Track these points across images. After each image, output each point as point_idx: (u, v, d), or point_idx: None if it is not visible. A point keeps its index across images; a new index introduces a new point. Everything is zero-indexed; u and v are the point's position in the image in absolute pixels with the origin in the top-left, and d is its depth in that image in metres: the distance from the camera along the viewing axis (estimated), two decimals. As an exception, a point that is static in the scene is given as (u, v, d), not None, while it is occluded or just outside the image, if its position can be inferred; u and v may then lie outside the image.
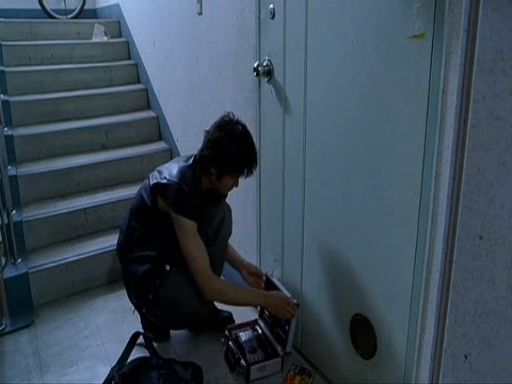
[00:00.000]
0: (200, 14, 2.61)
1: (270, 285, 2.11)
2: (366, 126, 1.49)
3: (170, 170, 1.92)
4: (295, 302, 1.92)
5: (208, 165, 1.91)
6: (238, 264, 2.23)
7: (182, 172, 1.90)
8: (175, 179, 1.87)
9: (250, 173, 1.92)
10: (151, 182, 1.93)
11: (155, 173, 1.97)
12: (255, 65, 2.00)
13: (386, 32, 1.36)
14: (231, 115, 1.92)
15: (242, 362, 1.92)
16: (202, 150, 1.93)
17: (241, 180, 1.98)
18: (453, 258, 1.21)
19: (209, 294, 1.92)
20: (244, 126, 1.91)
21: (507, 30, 1.00)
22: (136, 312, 2.11)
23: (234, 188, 2.02)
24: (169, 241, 1.92)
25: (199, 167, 1.94)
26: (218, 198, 2.09)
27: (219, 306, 2.23)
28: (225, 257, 2.20)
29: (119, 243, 2.08)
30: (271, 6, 1.90)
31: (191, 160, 1.96)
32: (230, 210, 2.15)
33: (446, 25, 1.16)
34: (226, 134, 1.87)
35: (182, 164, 1.95)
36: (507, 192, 1.05)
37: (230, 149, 1.87)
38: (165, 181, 1.87)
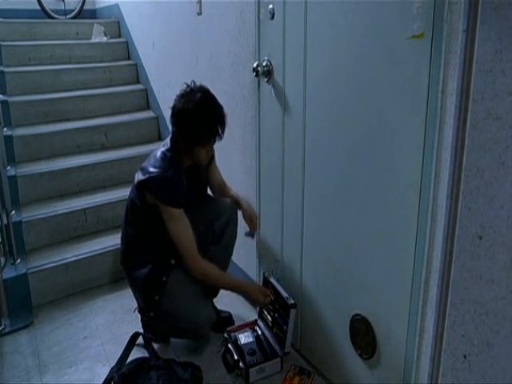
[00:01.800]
0: (199, 14, 2.61)
1: (267, 285, 2.11)
2: (366, 126, 1.49)
3: (150, 163, 1.88)
4: (292, 302, 1.92)
5: (177, 140, 1.90)
6: (237, 203, 2.22)
7: (162, 159, 1.88)
8: (156, 170, 1.84)
9: (217, 138, 1.88)
10: (135, 182, 1.90)
11: (138, 172, 1.92)
12: (254, 65, 2.00)
13: (385, 32, 1.36)
14: (192, 84, 1.87)
15: (241, 364, 1.92)
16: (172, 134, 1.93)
17: (240, 177, 1.98)
18: (452, 257, 1.21)
19: (195, 274, 1.92)
20: (204, 93, 1.86)
21: (506, 30, 1.00)
22: (136, 312, 2.11)
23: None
24: (168, 236, 1.91)
25: (173, 146, 1.92)
26: (204, 168, 2.11)
27: (219, 306, 2.24)
28: (229, 259, 2.22)
29: (121, 254, 2.07)
30: (270, 6, 1.90)
31: (169, 142, 1.95)
32: (236, 212, 2.17)
33: (445, 25, 1.16)
34: (183, 106, 1.83)
35: (161, 150, 1.92)
36: (506, 192, 1.05)
37: (188, 119, 1.83)
38: (147, 175, 1.84)
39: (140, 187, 1.88)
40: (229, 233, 2.15)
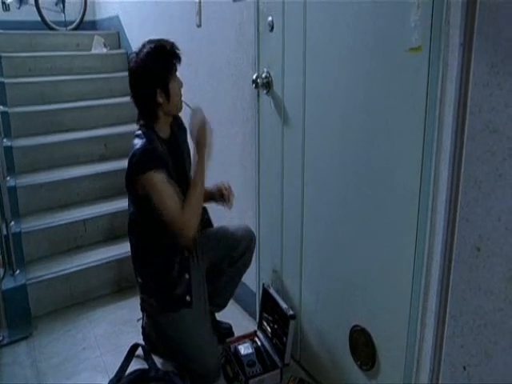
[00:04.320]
0: (199, 26, 2.63)
1: (267, 296, 2.12)
2: (365, 138, 1.50)
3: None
4: (291, 313, 1.93)
5: (142, 109, 1.89)
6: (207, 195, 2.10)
7: (135, 142, 1.81)
8: (132, 154, 1.78)
9: (177, 60, 1.85)
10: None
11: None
12: (254, 76, 2.01)
13: (383, 45, 1.38)
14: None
15: (241, 375, 1.92)
16: (136, 104, 1.91)
17: (239, 188, 1.96)
18: (451, 268, 1.22)
19: (188, 236, 1.80)
20: (146, 44, 1.83)
21: (503, 43, 1.01)
22: (137, 322, 2.10)
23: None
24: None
25: (139, 122, 1.90)
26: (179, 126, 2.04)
27: (219, 317, 2.23)
28: (239, 280, 2.22)
29: (134, 271, 2.01)
30: (270, 18, 1.92)
31: (138, 127, 1.91)
32: (254, 240, 2.17)
33: (442, 37, 1.17)
34: (134, 65, 1.81)
35: (133, 138, 1.86)
36: (504, 204, 1.06)
37: (145, 66, 1.79)
38: (128, 165, 1.79)
39: (128, 180, 1.82)
40: (244, 259, 2.13)
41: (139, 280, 1.97)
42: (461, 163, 1.15)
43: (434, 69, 1.21)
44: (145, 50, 1.80)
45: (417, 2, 1.24)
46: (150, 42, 1.83)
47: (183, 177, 1.94)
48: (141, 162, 1.76)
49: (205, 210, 2.11)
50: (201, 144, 1.87)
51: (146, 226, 1.86)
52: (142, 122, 1.91)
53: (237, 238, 2.11)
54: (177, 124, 2.00)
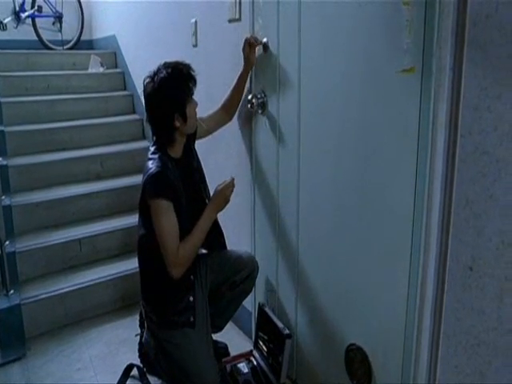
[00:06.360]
0: (195, 46, 2.66)
1: (263, 315, 2.11)
2: (359, 159, 1.52)
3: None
4: (287, 332, 1.92)
5: (158, 132, 1.88)
6: (241, 76, 2.10)
7: (148, 165, 1.83)
8: (146, 178, 1.80)
9: (193, 84, 1.87)
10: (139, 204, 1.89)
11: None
12: (249, 97, 2.03)
13: (376, 67, 1.40)
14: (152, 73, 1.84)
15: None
16: (152, 128, 1.90)
17: (235, 207, 1.97)
18: (444, 288, 1.22)
19: (177, 271, 1.82)
20: (163, 68, 1.82)
21: (491, 67, 1.04)
22: (135, 337, 2.09)
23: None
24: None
25: (154, 145, 1.91)
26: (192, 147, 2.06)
27: (214, 336, 2.22)
28: (237, 307, 2.21)
29: (140, 285, 2.01)
30: (265, 39, 1.95)
31: (153, 147, 1.92)
32: (257, 269, 2.15)
33: (434, 60, 1.19)
34: (151, 89, 1.81)
35: (147, 160, 1.87)
36: (495, 224, 1.07)
37: (162, 91, 1.80)
38: (142, 189, 1.83)
39: (140, 204, 1.86)
40: (245, 285, 2.12)
41: (144, 295, 1.98)
42: (452, 184, 1.17)
43: (427, 90, 1.23)
44: (161, 75, 1.80)
45: (408, 26, 1.26)
46: (165, 65, 1.83)
47: (196, 193, 2.00)
48: (152, 188, 1.79)
49: (221, 234, 2.13)
50: (221, 206, 1.94)
51: (154, 248, 1.84)
52: (155, 140, 1.92)
53: (241, 263, 2.10)
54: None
